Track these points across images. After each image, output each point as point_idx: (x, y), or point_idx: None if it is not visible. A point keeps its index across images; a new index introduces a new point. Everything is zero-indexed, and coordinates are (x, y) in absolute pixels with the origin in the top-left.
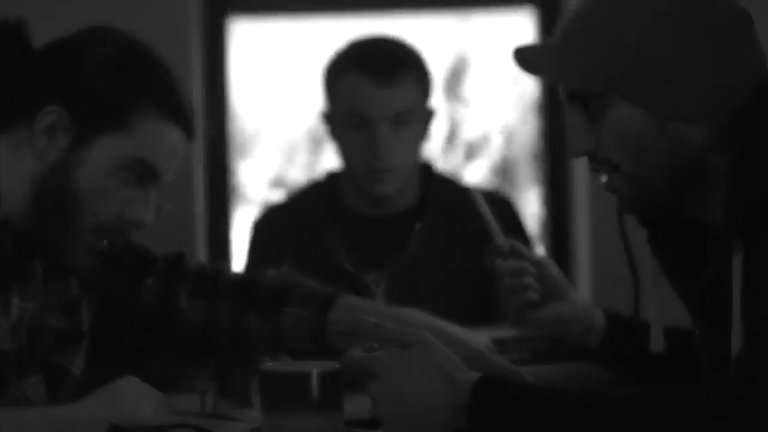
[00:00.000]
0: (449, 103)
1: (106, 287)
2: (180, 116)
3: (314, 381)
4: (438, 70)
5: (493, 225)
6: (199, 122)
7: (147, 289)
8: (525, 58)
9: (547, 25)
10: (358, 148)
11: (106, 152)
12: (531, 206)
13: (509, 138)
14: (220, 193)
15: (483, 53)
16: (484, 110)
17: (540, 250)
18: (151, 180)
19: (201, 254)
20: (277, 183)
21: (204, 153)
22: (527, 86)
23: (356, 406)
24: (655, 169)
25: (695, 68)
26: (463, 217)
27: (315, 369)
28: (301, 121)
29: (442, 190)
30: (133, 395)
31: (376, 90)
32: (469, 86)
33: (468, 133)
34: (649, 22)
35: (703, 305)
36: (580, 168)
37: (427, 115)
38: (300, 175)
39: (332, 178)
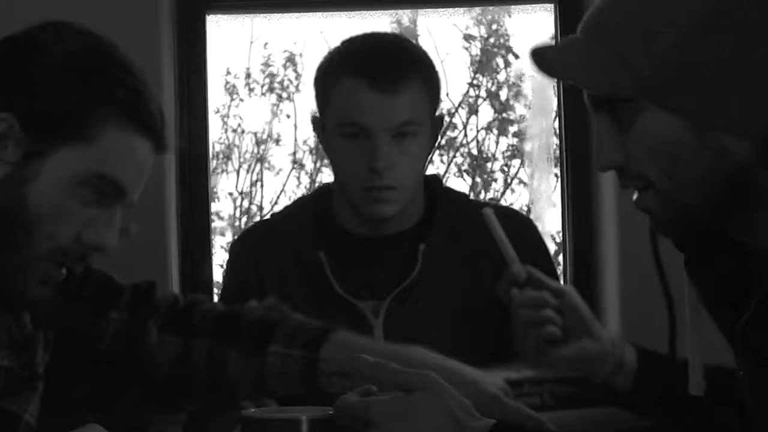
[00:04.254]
0: None
1: (64, 322)
2: (148, 126)
3: (304, 429)
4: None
5: (508, 249)
6: (171, 132)
7: (112, 324)
8: (544, 59)
9: (568, 21)
10: (355, 162)
11: (63, 166)
12: (551, 227)
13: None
14: (196, 214)
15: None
16: None
17: (561, 278)
18: (115, 198)
19: (173, 284)
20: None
21: (177, 168)
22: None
23: None
24: (693, 185)
25: (741, 69)
26: (474, 240)
27: (304, 416)
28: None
29: (451, 208)
30: None
31: (376, 97)
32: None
33: None
34: (687, 15)
35: (749, 340)
36: (607, 183)
37: (434, 124)
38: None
39: (323, 193)
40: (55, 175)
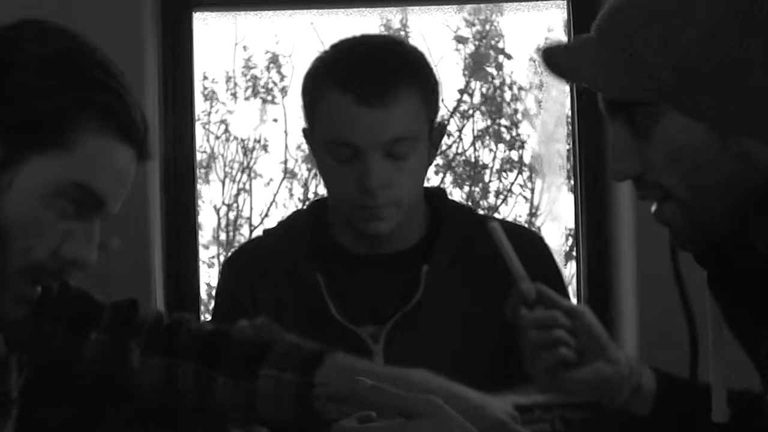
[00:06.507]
0: None
1: (40, 343)
2: (130, 132)
3: None
4: None
5: (517, 265)
6: (155, 139)
7: (91, 345)
8: (556, 60)
9: (582, 20)
10: (346, 181)
11: (39, 175)
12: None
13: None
14: (182, 227)
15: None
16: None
17: (574, 296)
18: (95, 209)
19: (158, 302)
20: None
21: (161, 177)
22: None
23: None
24: (714, 194)
25: (765, 70)
26: (480, 257)
27: None
28: None
29: (456, 224)
30: None
31: (364, 112)
32: None
33: None
34: (707, 14)
35: None
36: (624, 193)
37: (434, 133)
38: None
39: (319, 208)
40: (30, 185)
